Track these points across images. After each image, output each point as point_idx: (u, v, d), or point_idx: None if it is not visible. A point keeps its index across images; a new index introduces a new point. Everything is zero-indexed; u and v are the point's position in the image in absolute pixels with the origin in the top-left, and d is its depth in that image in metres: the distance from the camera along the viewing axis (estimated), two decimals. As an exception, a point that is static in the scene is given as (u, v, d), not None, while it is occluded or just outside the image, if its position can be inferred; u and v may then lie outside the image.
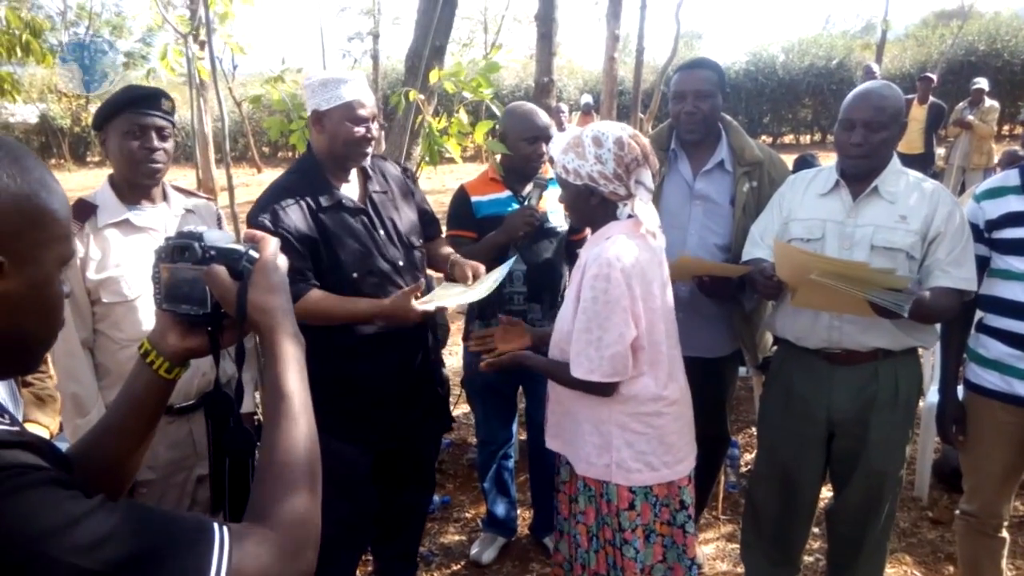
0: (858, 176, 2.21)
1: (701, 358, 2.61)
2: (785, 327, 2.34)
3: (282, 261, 1.00)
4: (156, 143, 2.04)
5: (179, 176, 17.87)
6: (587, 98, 12.84)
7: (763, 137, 21.08)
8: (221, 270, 0.96)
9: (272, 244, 0.99)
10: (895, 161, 2.24)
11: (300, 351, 0.94)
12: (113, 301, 2.01)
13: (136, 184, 2.08)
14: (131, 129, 2.00)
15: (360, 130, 2.20)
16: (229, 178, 2.90)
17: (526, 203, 2.67)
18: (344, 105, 2.18)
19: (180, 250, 0.99)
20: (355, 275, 2.21)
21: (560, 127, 9.07)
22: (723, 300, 2.51)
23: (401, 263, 2.32)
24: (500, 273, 2.34)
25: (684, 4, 14.51)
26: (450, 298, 2.26)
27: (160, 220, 2.11)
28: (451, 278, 2.45)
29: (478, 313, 2.87)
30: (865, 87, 2.23)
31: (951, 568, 2.99)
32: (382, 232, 2.30)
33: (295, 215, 2.15)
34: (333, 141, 2.21)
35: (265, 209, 2.15)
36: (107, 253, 2.01)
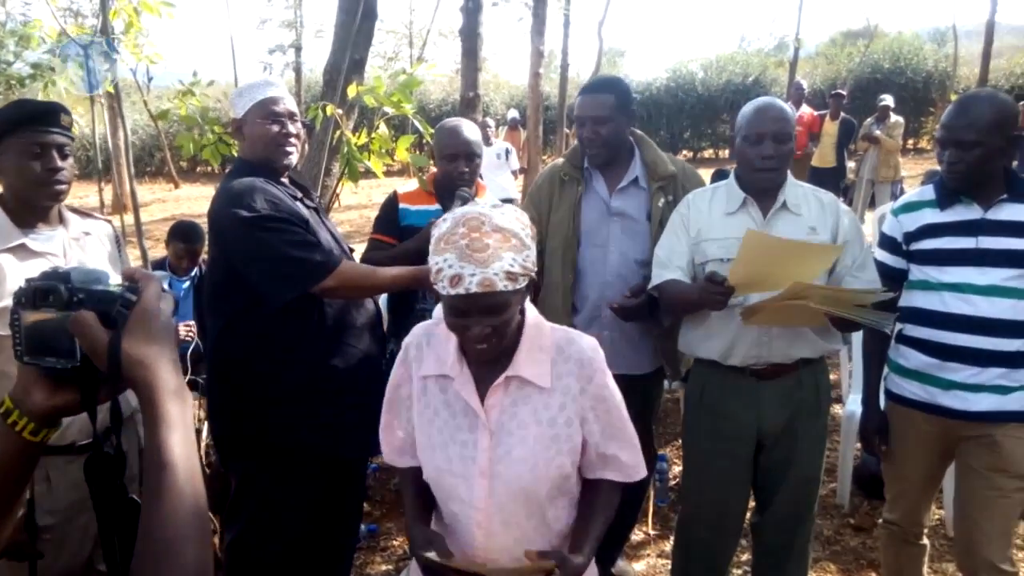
0: (767, 190, 2.24)
1: (626, 375, 2.60)
2: (705, 347, 2.34)
3: (166, 304, 0.88)
4: (58, 162, 1.90)
5: (89, 193, 17.10)
6: (513, 113, 12.90)
7: (684, 152, 21.61)
8: (89, 317, 0.83)
9: (154, 285, 0.87)
10: (790, 176, 2.30)
11: (186, 410, 0.82)
12: (9, 334, 1.85)
13: (35, 206, 1.93)
14: (29, 148, 1.86)
15: (275, 127, 2.17)
16: (133, 195, 2.75)
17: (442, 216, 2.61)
18: (256, 104, 2.16)
19: (43, 293, 0.85)
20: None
21: (487, 142, 9.06)
22: (641, 320, 2.50)
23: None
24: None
25: (606, 21, 14.78)
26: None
27: (58, 244, 1.97)
28: None
29: (395, 331, 2.79)
30: (762, 101, 2.29)
31: (873, 574, 3.05)
32: (331, 231, 2.30)
33: (284, 199, 2.11)
34: (254, 144, 2.18)
35: (254, 199, 2.05)
36: (2, 281, 1.85)
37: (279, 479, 2.21)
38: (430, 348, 1.59)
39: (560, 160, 2.68)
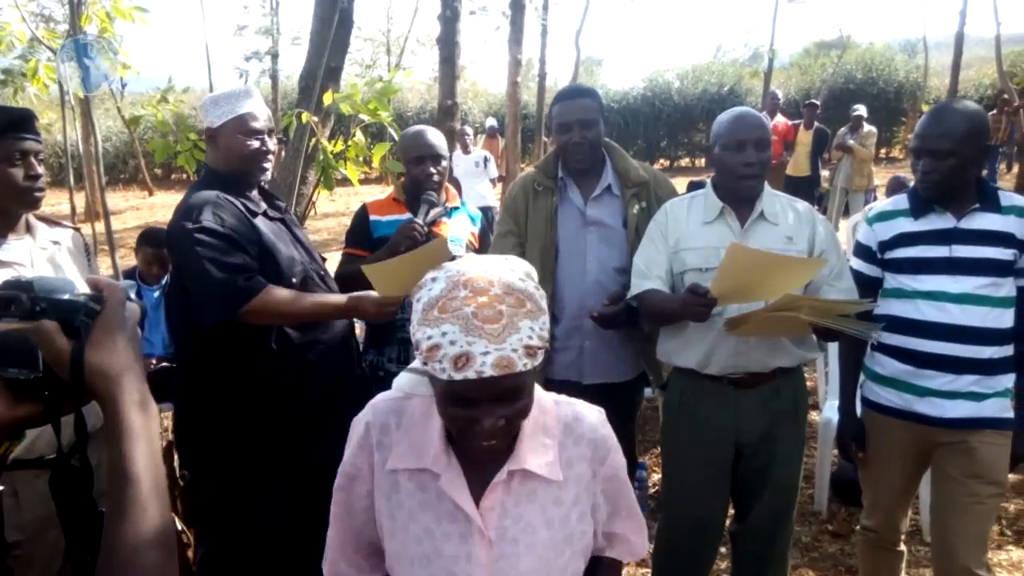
0: (745, 199, 2.26)
1: (607, 384, 2.60)
2: (683, 356, 2.34)
3: (131, 314, 0.87)
4: (39, 168, 1.87)
5: (61, 200, 16.84)
6: (492, 121, 12.93)
7: (661, 160, 21.78)
8: (52, 327, 0.82)
9: (118, 294, 0.86)
10: (767, 185, 2.32)
11: (151, 422, 0.81)
12: None
13: (7, 214, 1.89)
14: (11, 156, 1.82)
15: (254, 143, 2.15)
16: (104, 202, 2.70)
17: (410, 219, 2.60)
18: (235, 119, 2.13)
19: (5, 303, 0.83)
20: (294, 280, 2.14)
21: (465, 150, 9.05)
22: (621, 328, 2.50)
23: (321, 273, 2.29)
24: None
25: (584, 31, 14.86)
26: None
27: (26, 253, 1.92)
28: None
29: (372, 341, 2.77)
30: (739, 110, 2.31)
31: (851, 580, 3.06)
32: (298, 243, 2.27)
33: (236, 215, 2.07)
34: (229, 156, 2.16)
35: (202, 213, 2.03)
36: None
37: (249, 492, 2.17)
38: (401, 432, 1.25)
39: (531, 170, 2.67)
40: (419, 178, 2.67)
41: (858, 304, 2.12)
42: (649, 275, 2.29)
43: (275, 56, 19.61)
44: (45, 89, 3.07)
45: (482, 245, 2.90)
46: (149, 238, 3.59)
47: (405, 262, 2.06)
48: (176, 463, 3.01)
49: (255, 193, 2.25)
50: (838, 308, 2.08)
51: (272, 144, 2.21)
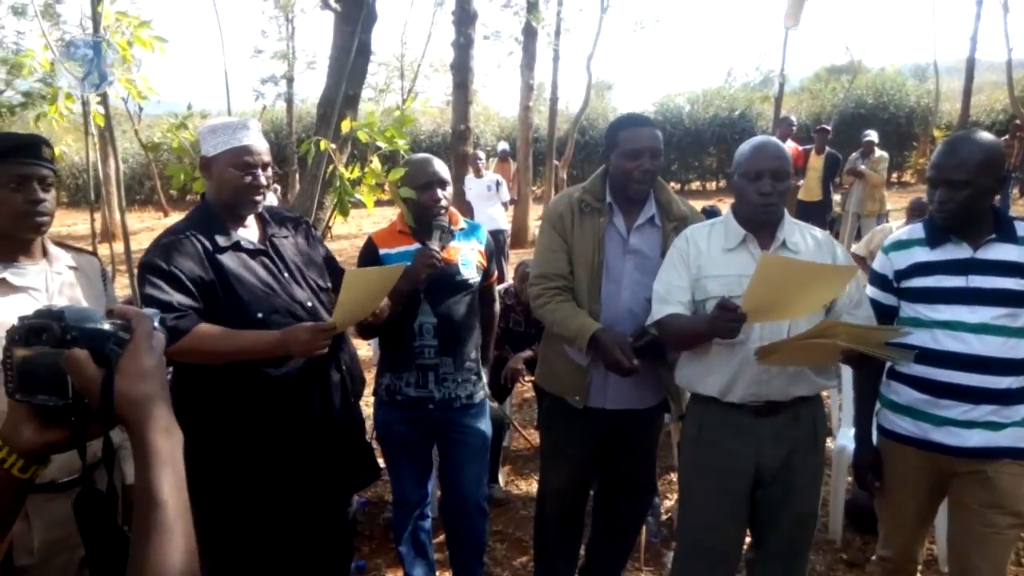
0: (765, 226, 2.27)
1: (632, 410, 2.60)
2: (704, 383, 2.33)
3: (157, 342, 0.89)
4: (40, 194, 1.88)
5: (78, 221, 17.04)
6: (504, 145, 13.00)
7: (672, 184, 21.84)
8: (83, 355, 0.84)
9: (145, 323, 0.89)
10: (787, 213, 2.34)
11: (176, 448, 0.84)
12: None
13: (16, 239, 1.91)
14: (10, 180, 1.83)
15: (247, 178, 2.16)
16: (124, 224, 2.73)
17: (426, 247, 2.60)
18: (230, 151, 2.14)
19: (36, 331, 0.86)
20: (259, 315, 2.13)
21: (478, 173, 9.11)
22: (651, 359, 2.50)
23: (310, 304, 2.25)
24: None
25: (595, 56, 14.97)
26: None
27: (41, 279, 1.93)
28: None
29: (389, 365, 2.78)
30: (760, 139, 2.33)
31: (867, 611, 3.03)
32: (286, 274, 2.24)
33: (188, 255, 2.08)
34: (220, 187, 2.18)
35: (155, 250, 2.08)
36: None
37: (236, 527, 2.18)
38: None
39: (575, 190, 2.67)
40: (427, 204, 2.68)
41: (894, 331, 2.14)
42: (670, 300, 2.29)
43: (290, 80, 19.84)
44: (62, 118, 3.12)
45: (490, 265, 2.91)
46: None
47: (371, 282, 2.16)
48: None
49: (250, 220, 2.26)
50: (873, 335, 2.08)
51: (266, 177, 2.21)
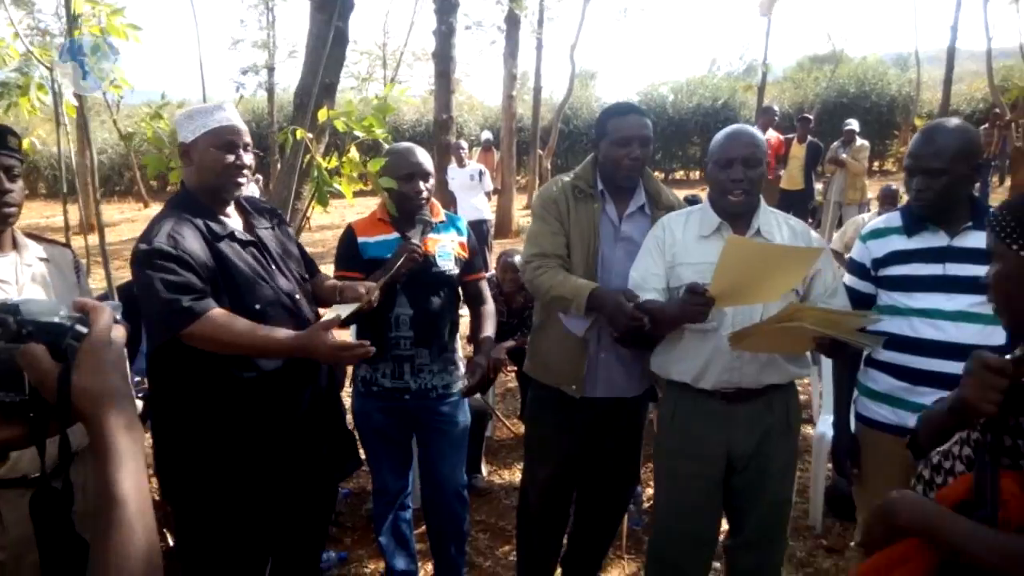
0: (739, 213, 2.28)
1: (619, 398, 2.60)
2: (677, 369, 2.35)
3: (118, 335, 0.87)
4: (7, 184, 1.84)
5: (56, 213, 16.82)
6: (487, 134, 12.95)
7: (656, 173, 21.81)
8: (38, 350, 0.82)
9: (105, 315, 0.86)
10: (762, 202, 2.34)
11: (137, 444, 0.81)
12: None
13: None
14: None
15: (230, 157, 2.09)
16: (99, 216, 2.70)
17: (407, 241, 2.59)
18: (210, 132, 2.08)
19: None
20: (257, 307, 2.08)
21: (460, 163, 9.07)
22: (640, 347, 2.50)
23: (298, 296, 2.23)
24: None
25: (578, 44, 14.94)
26: (346, 309, 2.22)
27: (11, 270, 1.90)
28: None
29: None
30: (734, 127, 2.35)
31: (846, 597, 3.06)
32: (273, 266, 2.20)
33: (193, 240, 2.02)
34: (203, 172, 2.10)
35: (159, 233, 1.99)
36: None
37: (216, 512, 2.15)
38: None
39: (567, 177, 2.66)
40: (409, 195, 2.66)
41: (861, 316, 2.14)
42: (645, 286, 2.31)
43: (271, 69, 19.65)
44: (35, 111, 3.05)
45: (475, 259, 2.90)
46: None
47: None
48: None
49: (231, 209, 2.21)
50: (842, 320, 2.08)
51: (248, 158, 2.15)
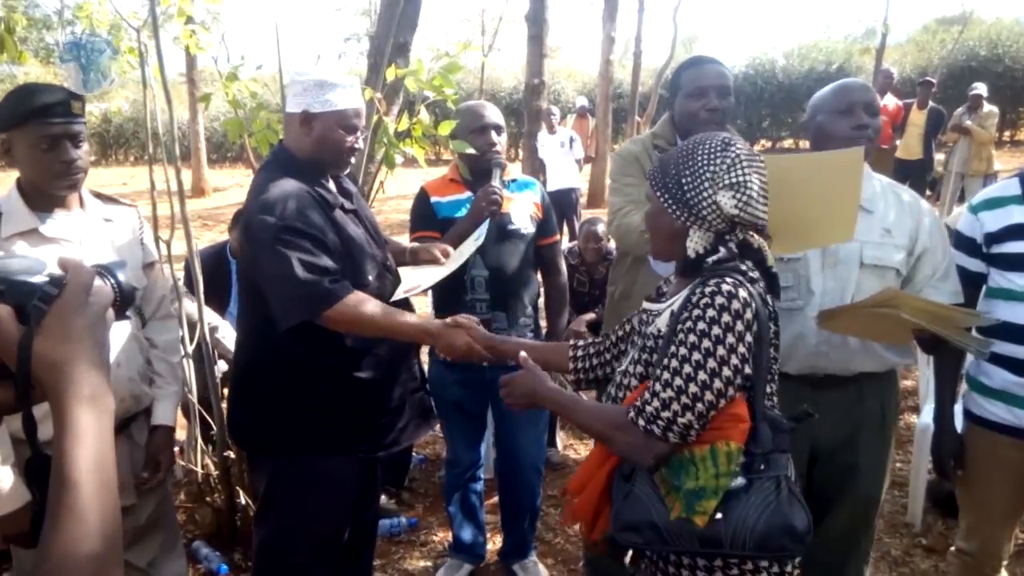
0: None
1: None
2: None
3: (100, 296, 0.79)
4: (72, 153, 1.85)
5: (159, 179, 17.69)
6: (582, 100, 12.67)
7: (763, 141, 20.94)
8: (3, 311, 0.75)
9: (82, 275, 0.78)
10: (866, 166, 2.07)
11: (101, 419, 0.73)
12: None
13: (50, 194, 1.90)
14: (41, 141, 1.81)
15: (351, 139, 2.06)
16: (179, 181, 2.73)
17: (488, 185, 2.54)
18: (340, 113, 2.02)
19: None
20: (370, 278, 2.07)
21: (551, 129, 8.90)
22: None
23: (390, 262, 2.22)
24: (472, 244, 2.29)
25: (682, 7, 14.37)
26: (427, 277, 2.16)
27: (75, 230, 1.93)
28: (415, 264, 2.37)
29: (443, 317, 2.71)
30: (841, 81, 2.18)
31: (945, 601, 2.81)
32: (370, 234, 2.19)
33: (316, 213, 1.99)
34: (321, 146, 2.04)
35: (285, 206, 1.94)
36: None
37: (309, 474, 2.14)
38: None
39: (646, 135, 2.52)
40: (483, 148, 2.62)
41: (970, 315, 1.89)
42: None
43: (373, 38, 19.90)
44: (123, 72, 3.11)
45: (548, 221, 2.81)
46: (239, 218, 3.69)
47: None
48: (201, 477, 3.06)
49: (330, 183, 2.17)
50: (946, 314, 1.83)
51: (362, 141, 2.14)
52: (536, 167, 8.26)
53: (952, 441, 2.17)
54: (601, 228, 4.09)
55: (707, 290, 1.41)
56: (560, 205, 2.80)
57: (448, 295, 2.65)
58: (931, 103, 8.97)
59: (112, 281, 0.86)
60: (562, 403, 1.65)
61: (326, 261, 1.94)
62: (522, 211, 2.70)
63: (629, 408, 1.46)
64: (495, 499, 3.20)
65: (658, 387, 1.42)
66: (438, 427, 3.07)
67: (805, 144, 21.55)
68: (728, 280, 1.41)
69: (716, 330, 1.39)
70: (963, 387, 2.22)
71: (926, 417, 3.22)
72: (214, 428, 3.05)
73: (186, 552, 2.65)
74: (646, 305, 1.68)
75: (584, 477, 1.58)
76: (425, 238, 2.63)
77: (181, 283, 2.97)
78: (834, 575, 2.28)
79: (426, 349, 2.93)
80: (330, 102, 2.01)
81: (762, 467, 1.44)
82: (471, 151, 2.61)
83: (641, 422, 1.42)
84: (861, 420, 2.12)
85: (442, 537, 3.28)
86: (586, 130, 11.63)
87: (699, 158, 1.49)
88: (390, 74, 2.62)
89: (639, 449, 1.44)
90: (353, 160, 2.14)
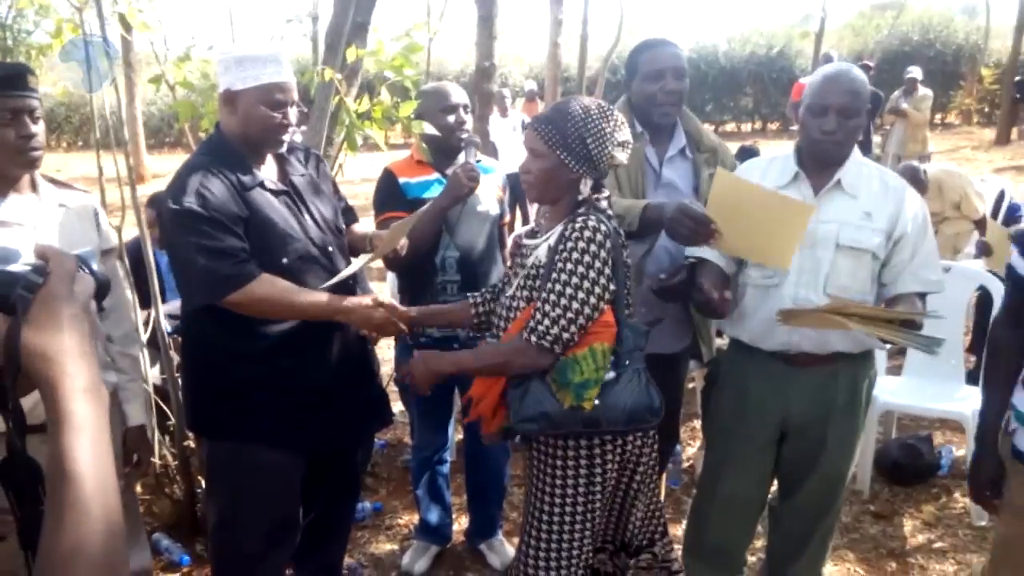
0: (821, 165, 2.09)
1: (661, 354, 2.50)
2: (739, 328, 2.21)
3: (84, 285, 0.77)
4: (32, 127, 1.79)
5: (92, 161, 17.07)
6: (531, 84, 12.68)
7: (705, 125, 21.18)
8: None
9: (66, 264, 0.76)
10: (856, 151, 2.12)
11: (99, 410, 0.71)
12: None
13: (5, 175, 1.83)
14: (1, 115, 1.75)
15: (276, 116, 2.00)
16: (128, 166, 2.65)
17: (465, 161, 2.54)
18: (261, 87, 1.96)
19: None
20: (285, 260, 2.02)
21: (503, 113, 8.88)
22: (679, 301, 2.38)
23: (331, 248, 2.15)
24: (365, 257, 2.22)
25: (627, -10, 14.42)
26: (351, 266, 2.14)
27: (28, 214, 1.86)
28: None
29: (410, 303, 2.69)
30: (835, 69, 2.08)
31: (893, 564, 2.94)
32: (306, 216, 2.12)
33: (222, 194, 1.94)
34: (246, 124, 2.01)
35: (186, 190, 1.92)
36: None
37: (244, 465, 2.12)
38: None
39: None
40: (452, 127, 2.60)
41: (908, 314, 1.92)
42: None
43: (315, 18, 19.48)
44: (50, 48, 2.98)
45: (503, 205, 2.83)
46: (152, 202, 3.64)
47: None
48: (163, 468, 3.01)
49: (268, 159, 2.13)
50: (886, 316, 1.89)
51: (293, 116, 2.08)
52: (489, 150, 8.23)
53: (992, 469, 1.94)
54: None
55: (576, 226, 1.74)
56: (513, 189, 2.80)
57: (419, 276, 2.64)
58: (869, 86, 9.23)
59: (87, 270, 0.83)
60: (459, 360, 1.97)
61: (230, 242, 1.92)
62: (489, 193, 2.71)
63: (521, 333, 1.77)
64: (458, 480, 3.22)
65: (548, 308, 1.74)
66: (399, 412, 3.07)
67: (747, 127, 21.93)
68: (592, 218, 1.75)
69: (587, 258, 1.73)
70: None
71: (876, 391, 3.34)
72: (171, 418, 2.98)
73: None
74: (525, 241, 1.97)
75: (483, 388, 1.89)
76: (393, 219, 2.60)
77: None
78: (800, 543, 2.35)
79: (387, 342, 2.91)
80: (250, 77, 1.96)
81: (627, 362, 1.81)
82: (432, 132, 2.59)
83: (534, 339, 1.75)
84: (834, 399, 2.16)
85: (407, 520, 3.29)
86: (536, 113, 11.64)
87: (596, 120, 1.77)
88: (351, 54, 2.58)
89: (535, 362, 1.77)
90: (285, 138, 2.07)
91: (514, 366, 1.80)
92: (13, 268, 0.74)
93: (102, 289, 0.84)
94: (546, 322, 1.74)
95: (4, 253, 0.76)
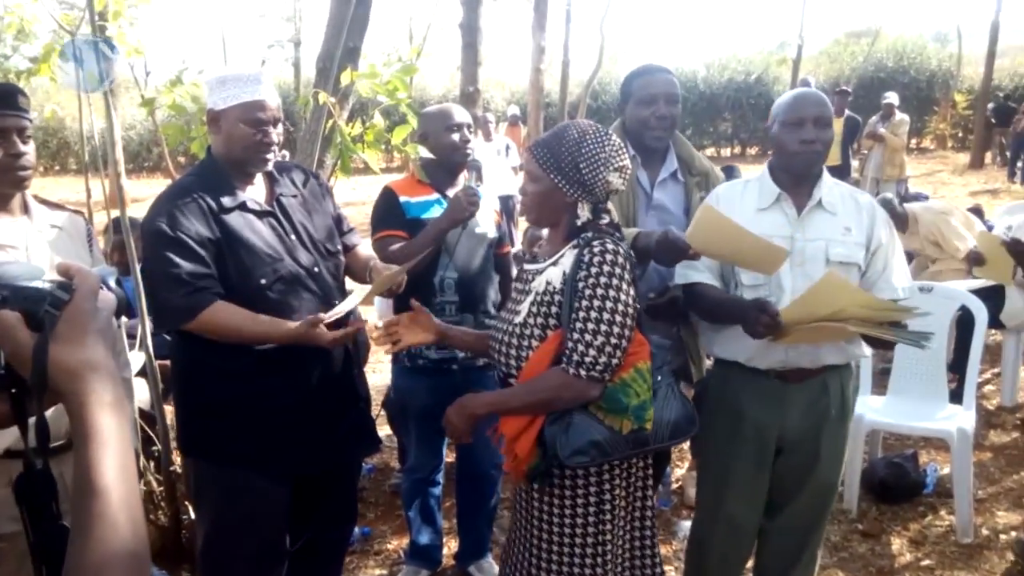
0: (799, 181, 2.15)
1: None
2: (731, 349, 2.22)
3: (106, 302, 0.78)
4: (21, 147, 1.78)
5: (69, 186, 16.98)
6: (514, 109, 12.81)
7: (688, 149, 21.44)
8: (11, 317, 0.73)
9: (90, 281, 0.77)
10: (826, 172, 2.20)
11: (123, 425, 0.72)
12: None
13: None
14: None
15: (258, 135, 2.02)
16: (121, 190, 2.65)
17: (466, 184, 2.57)
18: (241, 106, 2.00)
19: None
20: (263, 281, 2.02)
21: (487, 137, 8.96)
22: (669, 320, 2.40)
23: (316, 269, 2.14)
24: (360, 293, 2.22)
25: (609, 17, 14.68)
26: (345, 304, 2.12)
27: (20, 235, 1.84)
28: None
29: None
30: (799, 90, 2.21)
31: (883, 583, 2.96)
32: (293, 236, 2.12)
33: (194, 216, 1.97)
34: (229, 143, 2.04)
35: (160, 212, 1.96)
36: None
37: (227, 487, 2.12)
38: None
39: None
40: (456, 146, 2.63)
41: (905, 310, 1.99)
42: (698, 265, 2.17)
43: (297, 44, 19.59)
44: (55, 81, 2.99)
45: (500, 229, 2.84)
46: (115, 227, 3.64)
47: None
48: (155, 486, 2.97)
49: (257, 178, 2.14)
50: (883, 312, 1.95)
51: (277, 134, 2.09)
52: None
53: None
54: (545, 231, 4.15)
55: (596, 250, 1.72)
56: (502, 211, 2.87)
57: (417, 298, 2.64)
58: (847, 111, 9.40)
59: (107, 288, 0.84)
60: (496, 401, 1.89)
61: (189, 268, 1.94)
62: (487, 216, 2.73)
63: (562, 367, 1.72)
64: (447, 504, 3.20)
65: (588, 337, 1.70)
66: (386, 436, 3.05)
67: (726, 152, 22.19)
68: (609, 242, 1.74)
69: (614, 280, 1.71)
70: None
71: (859, 408, 3.38)
72: (157, 444, 2.95)
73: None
74: (526, 266, 1.96)
75: (518, 426, 1.78)
76: (391, 237, 2.61)
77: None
78: (789, 560, 2.37)
79: (383, 361, 2.90)
80: (231, 96, 2.01)
81: (659, 378, 1.81)
82: (428, 155, 2.62)
83: (583, 372, 1.70)
84: (826, 410, 2.21)
85: (396, 545, 3.26)
86: (518, 138, 11.75)
87: (590, 145, 1.76)
88: (345, 77, 2.60)
89: (585, 394, 1.72)
90: (269, 156, 2.09)
91: (563, 400, 1.73)
92: (39, 284, 0.75)
93: (122, 306, 0.84)
94: (591, 352, 1.69)
95: (29, 270, 0.77)
